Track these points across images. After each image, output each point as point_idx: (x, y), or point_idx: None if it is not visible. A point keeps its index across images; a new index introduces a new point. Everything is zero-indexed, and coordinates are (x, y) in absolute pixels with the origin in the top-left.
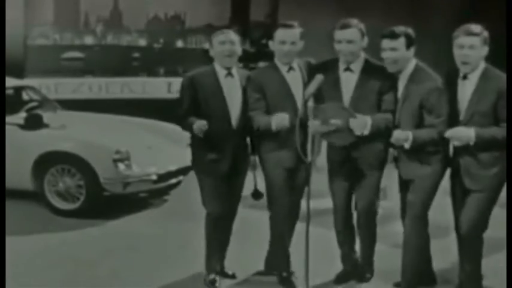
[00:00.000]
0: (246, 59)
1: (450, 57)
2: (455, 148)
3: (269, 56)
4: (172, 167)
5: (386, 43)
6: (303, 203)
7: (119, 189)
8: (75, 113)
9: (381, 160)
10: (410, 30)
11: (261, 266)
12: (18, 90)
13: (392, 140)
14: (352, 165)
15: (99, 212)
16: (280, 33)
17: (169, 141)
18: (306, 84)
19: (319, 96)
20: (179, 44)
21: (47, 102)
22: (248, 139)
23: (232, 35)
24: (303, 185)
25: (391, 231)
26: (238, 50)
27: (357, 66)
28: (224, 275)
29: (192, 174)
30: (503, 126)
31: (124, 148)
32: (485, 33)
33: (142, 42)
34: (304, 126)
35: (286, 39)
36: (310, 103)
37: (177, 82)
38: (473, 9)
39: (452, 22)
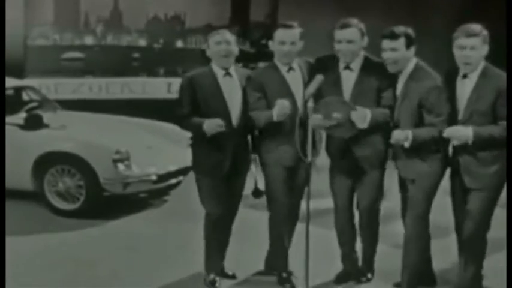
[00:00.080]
0: (246, 59)
1: (450, 57)
2: (455, 147)
3: (269, 56)
4: (172, 167)
5: (386, 44)
6: (303, 203)
7: (119, 190)
8: (75, 113)
9: (382, 159)
10: (410, 30)
11: (260, 266)
12: (18, 90)
13: (392, 140)
14: (353, 163)
15: (99, 212)
16: (280, 34)
17: (169, 142)
18: (306, 84)
19: (319, 96)
20: (179, 44)
21: (47, 103)
22: (249, 138)
23: (228, 35)
24: (303, 185)
25: (391, 231)
26: (235, 49)
27: (356, 64)
28: (224, 275)
29: (192, 174)
30: (502, 124)
31: (124, 148)
32: (485, 32)
33: (142, 42)
34: (304, 126)
35: (286, 39)
36: (310, 103)
37: (177, 82)
38: (473, 9)
39: (452, 22)
